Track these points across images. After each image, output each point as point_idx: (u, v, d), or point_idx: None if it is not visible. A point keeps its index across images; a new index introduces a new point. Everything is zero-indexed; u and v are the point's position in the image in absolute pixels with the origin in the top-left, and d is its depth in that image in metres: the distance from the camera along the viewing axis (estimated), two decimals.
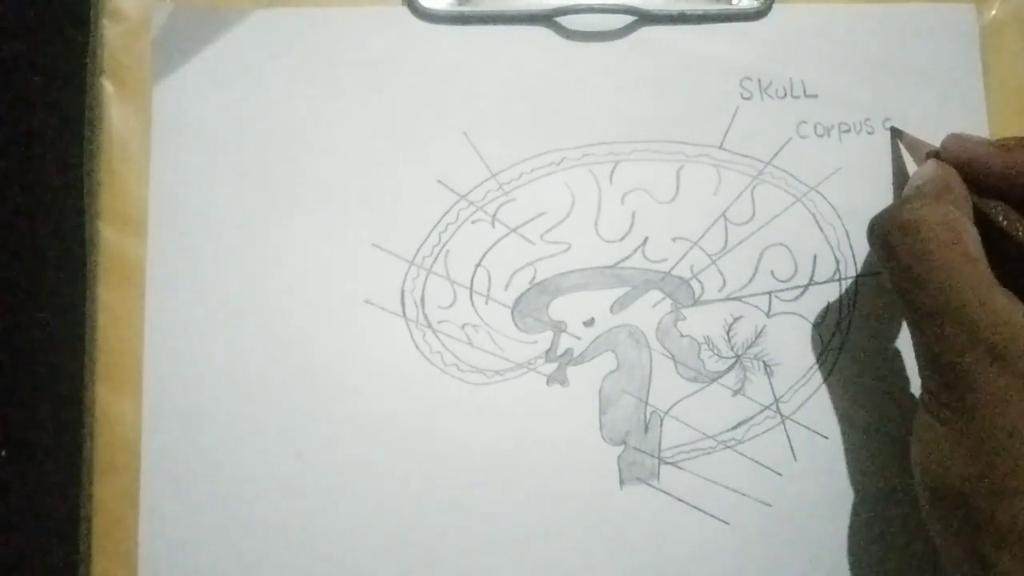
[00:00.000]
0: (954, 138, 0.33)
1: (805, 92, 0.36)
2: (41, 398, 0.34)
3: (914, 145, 0.35)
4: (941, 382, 0.28)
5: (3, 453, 0.34)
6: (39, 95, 0.36)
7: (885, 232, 0.30)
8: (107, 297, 0.33)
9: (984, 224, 0.30)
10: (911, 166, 0.36)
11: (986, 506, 0.26)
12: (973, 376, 0.27)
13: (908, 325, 0.30)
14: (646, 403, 0.34)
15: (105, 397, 0.33)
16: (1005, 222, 0.30)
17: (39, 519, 0.34)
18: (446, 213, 0.34)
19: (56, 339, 0.34)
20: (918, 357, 0.30)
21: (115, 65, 0.34)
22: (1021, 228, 0.30)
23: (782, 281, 0.35)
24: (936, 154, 0.33)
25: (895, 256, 0.29)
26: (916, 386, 0.34)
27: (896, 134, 0.36)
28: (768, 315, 0.35)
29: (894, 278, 0.30)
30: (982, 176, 0.31)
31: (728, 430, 0.34)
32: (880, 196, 0.36)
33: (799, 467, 0.34)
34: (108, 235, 0.33)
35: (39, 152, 0.36)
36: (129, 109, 0.34)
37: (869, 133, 0.36)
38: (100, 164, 0.34)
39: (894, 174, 0.36)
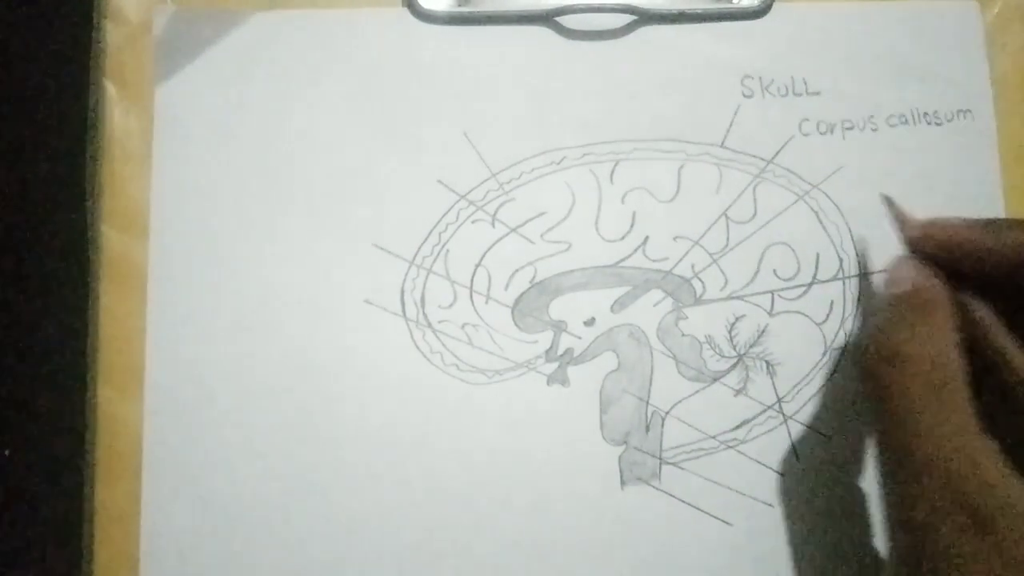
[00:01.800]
0: (931, 225, 0.30)
1: (807, 90, 0.36)
2: (42, 398, 0.35)
3: (902, 219, 0.32)
4: (912, 545, 0.26)
5: (5, 452, 0.35)
6: (41, 97, 0.36)
7: (873, 361, 0.27)
8: (109, 298, 0.33)
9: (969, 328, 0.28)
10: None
11: None
12: (951, 545, 0.24)
13: (880, 468, 0.28)
14: (647, 403, 0.34)
15: (106, 397, 0.33)
16: (987, 336, 0.28)
17: (39, 519, 0.34)
18: (446, 213, 0.34)
19: (58, 340, 0.35)
20: (886, 503, 0.27)
21: (117, 67, 0.34)
22: (1000, 340, 0.28)
23: (784, 280, 0.35)
24: (915, 240, 0.30)
25: (881, 391, 0.27)
26: None
27: (888, 203, 0.33)
28: (770, 314, 0.35)
29: (877, 414, 0.27)
30: (961, 262, 0.29)
31: (730, 430, 0.34)
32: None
33: (801, 467, 0.34)
34: (110, 236, 0.34)
35: (41, 154, 0.36)
36: (131, 111, 0.34)
37: (873, 130, 0.36)
38: (102, 165, 0.34)
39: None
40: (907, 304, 0.29)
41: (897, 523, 0.27)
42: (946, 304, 0.28)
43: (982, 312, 0.29)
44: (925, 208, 0.35)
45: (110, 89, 0.34)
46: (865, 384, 0.28)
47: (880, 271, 0.35)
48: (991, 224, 0.29)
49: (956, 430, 0.26)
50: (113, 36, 0.34)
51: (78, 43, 0.35)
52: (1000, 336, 0.28)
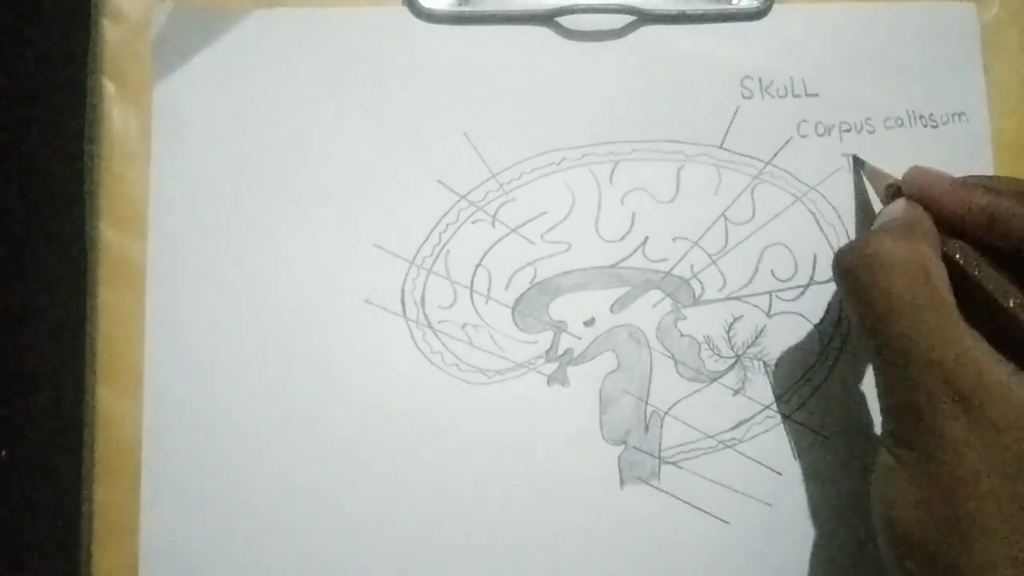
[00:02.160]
0: (915, 171, 0.32)
1: (806, 91, 0.36)
2: (42, 398, 0.34)
3: (875, 176, 0.35)
4: (902, 424, 0.27)
5: (3, 453, 0.34)
6: (39, 95, 0.36)
7: (850, 266, 0.29)
8: (107, 297, 0.33)
9: (948, 265, 0.29)
10: (874, 198, 0.35)
11: (948, 553, 0.26)
12: (936, 420, 0.26)
13: (872, 365, 0.29)
14: (646, 403, 0.34)
15: (106, 397, 0.33)
16: (963, 262, 0.29)
17: (39, 519, 0.34)
18: (446, 213, 0.34)
19: (56, 339, 0.34)
20: (880, 397, 0.29)
21: (115, 65, 0.34)
22: (979, 268, 0.29)
23: (782, 281, 0.35)
24: (899, 189, 0.32)
25: (860, 292, 0.28)
26: None
27: (858, 164, 0.36)
28: (768, 315, 0.35)
29: (858, 315, 0.29)
30: (938, 214, 0.30)
31: (728, 430, 0.34)
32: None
33: (799, 467, 0.34)
34: (108, 235, 0.33)
35: (39, 152, 0.36)
36: (129, 109, 0.34)
37: (870, 132, 0.36)
38: (100, 164, 0.34)
39: (856, 205, 0.36)
40: (891, 223, 0.30)
41: (889, 410, 0.28)
42: (931, 227, 0.30)
43: (958, 245, 0.30)
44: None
45: (109, 87, 0.34)
46: (845, 284, 0.29)
47: None
48: (969, 181, 0.31)
49: (940, 321, 0.27)
50: (112, 34, 0.34)
51: (76, 41, 0.35)
52: (980, 264, 0.29)
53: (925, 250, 0.28)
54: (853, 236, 0.36)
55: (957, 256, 0.29)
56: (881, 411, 0.29)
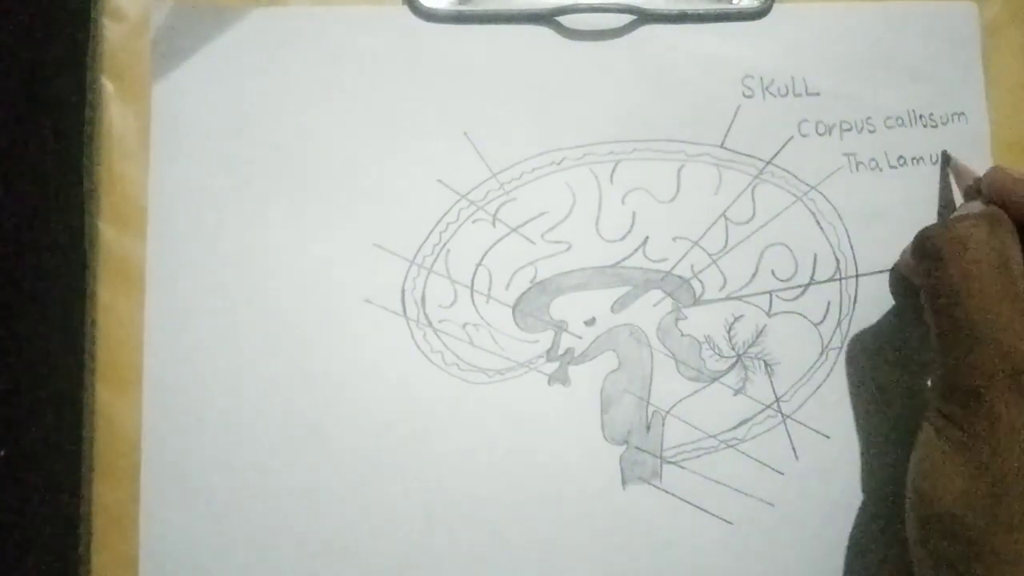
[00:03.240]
0: (995, 172, 0.32)
1: (807, 90, 0.36)
2: (41, 398, 0.34)
3: (960, 173, 0.35)
4: (959, 404, 0.28)
5: (3, 453, 0.34)
6: (39, 94, 0.36)
7: (937, 243, 0.29)
8: (107, 296, 0.33)
9: None
10: (958, 195, 0.36)
11: (986, 534, 0.26)
12: (996, 404, 0.27)
13: (935, 341, 0.30)
14: (647, 402, 0.34)
15: (105, 397, 0.33)
16: None
17: (39, 519, 0.34)
18: (447, 212, 0.34)
19: (56, 339, 0.34)
20: (935, 375, 0.29)
21: (115, 64, 0.34)
22: None
23: (783, 280, 0.35)
24: (970, 190, 0.33)
25: (943, 268, 0.29)
26: (916, 386, 0.34)
27: (945, 160, 0.36)
28: (769, 314, 0.35)
29: (935, 291, 0.29)
30: (1016, 215, 0.31)
31: (729, 429, 0.34)
32: (882, 196, 0.36)
33: (801, 466, 0.34)
34: (108, 234, 0.33)
35: (39, 151, 0.36)
36: (129, 108, 0.34)
37: (871, 132, 0.36)
38: (100, 163, 0.34)
39: (940, 200, 0.36)
40: (974, 216, 0.31)
41: (944, 389, 0.29)
42: (1010, 225, 0.30)
43: None
44: (920, 209, 0.36)
45: (108, 86, 0.34)
46: (925, 261, 0.30)
47: (878, 271, 0.35)
48: None
49: (1013, 310, 0.28)
50: (111, 33, 0.34)
51: (76, 40, 0.35)
52: None
53: (1008, 240, 0.29)
54: (854, 234, 0.35)
55: None
56: (934, 389, 0.29)
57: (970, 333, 0.28)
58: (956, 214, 0.33)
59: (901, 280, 0.35)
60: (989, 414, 0.27)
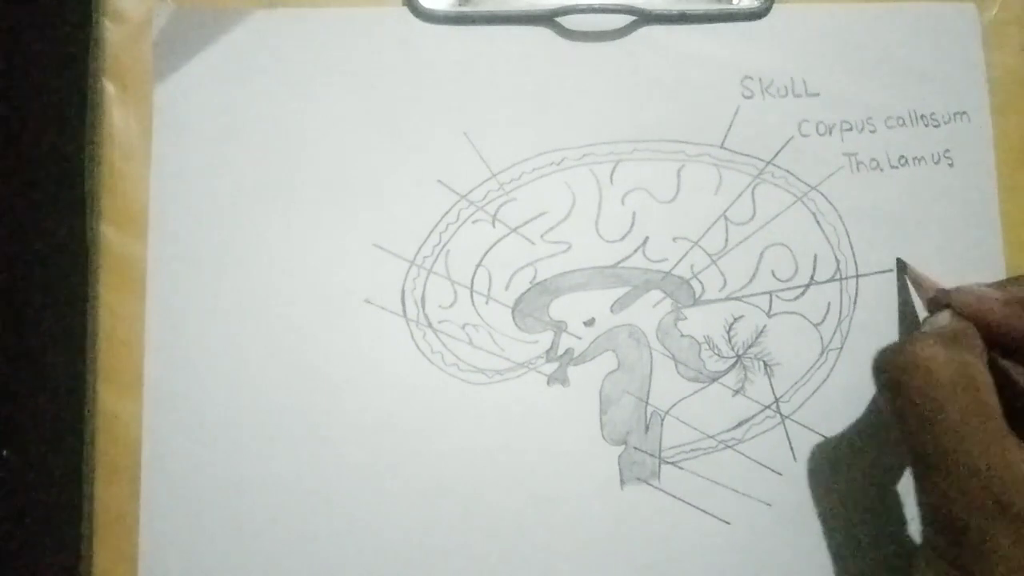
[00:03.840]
0: (964, 293, 0.31)
1: (807, 91, 0.36)
2: (42, 398, 0.35)
3: (919, 281, 0.34)
4: (946, 537, 0.26)
5: (3, 453, 0.34)
6: (40, 96, 0.36)
7: (895, 368, 0.28)
8: (108, 297, 0.33)
9: (998, 380, 0.28)
10: (918, 303, 0.35)
11: None
12: (982, 536, 0.25)
13: (913, 473, 0.28)
14: (647, 403, 0.34)
15: (106, 397, 0.33)
16: (1012, 372, 0.29)
17: (39, 519, 0.34)
18: (446, 213, 0.34)
19: (57, 339, 0.35)
20: (920, 506, 0.28)
21: (116, 66, 0.34)
22: None
23: (782, 281, 0.35)
24: (946, 301, 0.31)
25: (904, 396, 0.27)
26: None
27: (901, 267, 0.35)
28: (768, 315, 0.35)
29: (901, 420, 0.28)
30: (987, 331, 0.29)
31: (728, 430, 0.34)
32: (883, 196, 0.36)
33: (799, 467, 0.34)
34: (109, 235, 0.33)
35: (40, 153, 0.36)
36: (130, 110, 0.34)
37: (871, 132, 0.36)
38: (101, 164, 0.34)
39: (899, 308, 0.35)
40: (937, 332, 0.29)
41: (932, 522, 0.27)
42: (977, 339, 0.29)
43: (1006, 363, 0.29)
44: (920, 210, 0.36)
45: (109, 88, 0.34)
46: (888, 387, 0.28)
47: (878, 272, 0.35)
48: (1013, 298, 0.30)
49: (987, 431, 0.26)
50: (112, 35, 0.34)
51: (77, 42, 0.35)
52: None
53: (972, 359, 0.27)
54: (854, 239, 0.35)
55: (1004, 365, 0.29)
56: (922, 522, 0.28)
57: (944, 460, 0.26)
58: (917, 332, 0.32)
59: None
60: (977, 548, 0.25)
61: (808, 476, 0.34)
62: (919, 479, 0.27)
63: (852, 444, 0.34)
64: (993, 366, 0.29)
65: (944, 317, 0.31)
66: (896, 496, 0.34)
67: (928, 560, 0.27)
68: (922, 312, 0.34)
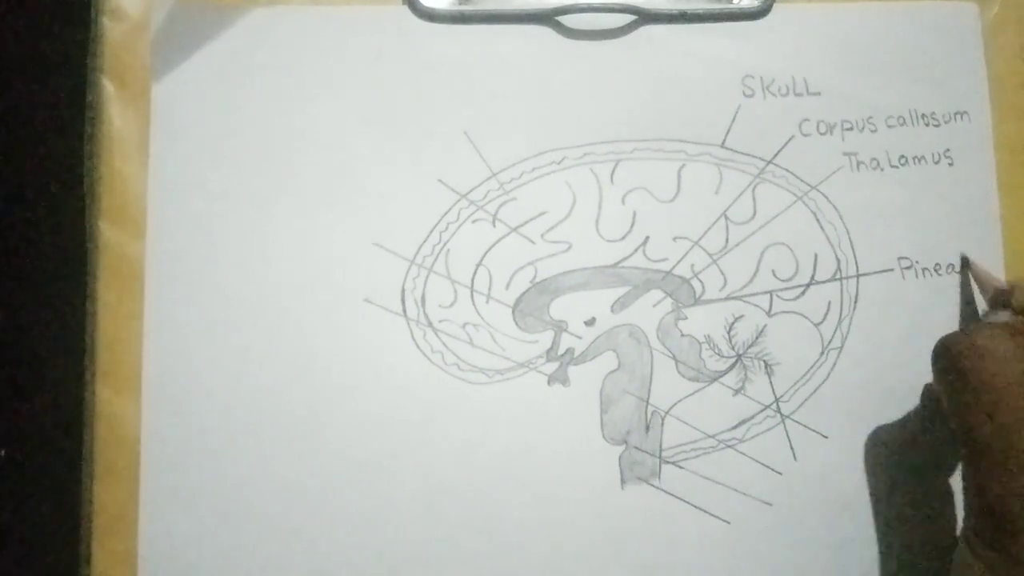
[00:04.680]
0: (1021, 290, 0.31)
1: (808, 90, 0.36)
2: (41, 398, 0.34)
3: (982, 278, 0.35)
4: (993, 524, 0.27)
5: (3, 453, 0.34)
6: (39, 94, 0.36)
7: (957, 353, 0.28)
8: (107, 296, 0.33)
9: None
10: (980, 301, 0.35)
11: None
12: None
13: (963, 458, 0.28)
14: (647, 402, 0.34)
15: (105, 397, 0.33)
16: None
17: (39, 519, 0.34)
18: (447, 212, 0.34)
19: (56, 339, 0.34)
20: (967, 492, 0.28)
21: (115, 64, 0.34)
22: None
23: (783, 280, 0.35)
24: (1005, 297, 0.32)
25: (965, 380, 0.28)
26: (916, 387, 0.34)
27: (965, 264, 0.35)
28: (769, 314, 0.35)
29: (959, 405, 0.28)
30: None
31: (729, 429, 0.34)
32: (883, 196, 0.36)
33: (799, 466, 0.34)
34: (108, 234, 0.33)
35: (39, 151, 0.36)
36: (129, 108, 0.34)
37: (872, 131, 0.36)
38: (100, 163, 0.34)
39: (961, 305, 0.35)
40: (996, 325, 0.30)
41: (977, 506, 0.27)
42: None
43: None
44: (921, 209, 0.36)
45: (108, 86, 0.34)
46: (949, 371, 0.29)
47: (878, 272, 0.35)
48: None
49: None
50: (111, 32, 0.34)
51: (76, 40, 0.35)
52: None
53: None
54: (855, 234, 0.35)
55: None
56: (966, 507, 0.28)
57: (1001, 444, 0.26)
58: (979, 322, 0.32)
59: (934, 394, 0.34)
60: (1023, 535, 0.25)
61: (808, 476, 0.34)
62: (969, 463, 0.28)
63: (851, 443, 0.34)
64: None
65: (1005, 314, 0.31)
66: (896, 496, 0.34)
67: (970, 543, 0.28)
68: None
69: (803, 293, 0.35)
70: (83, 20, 0.34)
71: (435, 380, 0.34)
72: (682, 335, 0.35)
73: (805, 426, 0.35)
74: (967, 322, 0.35)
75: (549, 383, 0.34)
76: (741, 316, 0.35)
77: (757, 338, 0.35)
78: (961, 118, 0.36)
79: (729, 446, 0.34)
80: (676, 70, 0.36)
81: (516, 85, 0.35)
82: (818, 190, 0.36)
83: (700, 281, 0.35)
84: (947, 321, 0.35)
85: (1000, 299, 0.32)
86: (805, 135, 0.36)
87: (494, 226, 0.35)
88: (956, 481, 0.34)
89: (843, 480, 0.34)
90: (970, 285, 0.35)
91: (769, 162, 0.35)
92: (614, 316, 0.35)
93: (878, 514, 0.34)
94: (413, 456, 0.33)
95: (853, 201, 0.36)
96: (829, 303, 0.35)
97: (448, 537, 0.33)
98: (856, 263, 0.35)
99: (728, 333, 0.35)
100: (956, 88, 0.36)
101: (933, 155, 0.36)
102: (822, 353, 0.35)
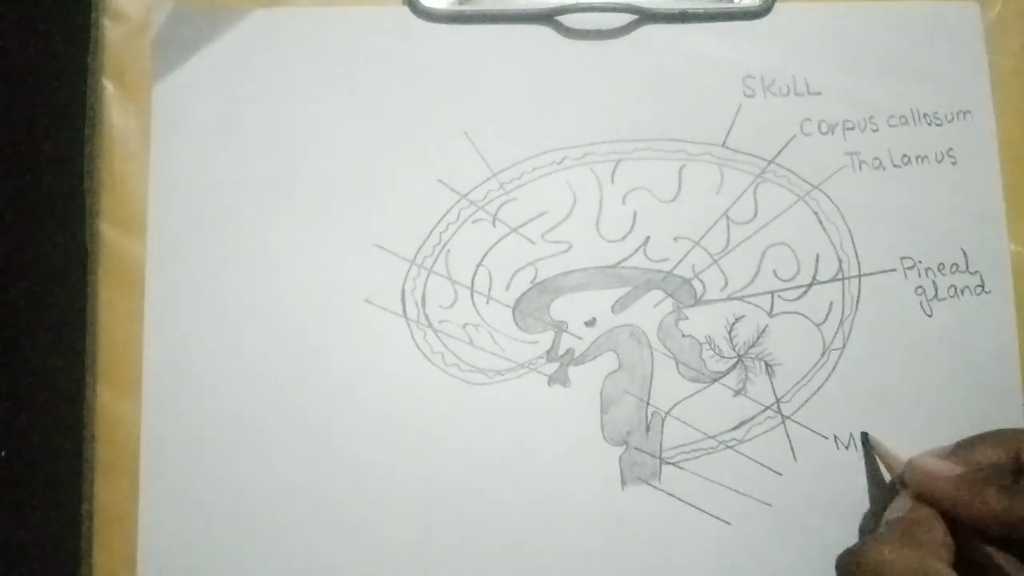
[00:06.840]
0: (915, 470, 0.31)
1: (809, 89, 0.36)
2: (41, 398, 0.35)
3: (884, 457, 0.33)
4: None
5: (3, 453, 0.34)
6: (39, 95, 0.36)
7: (848, 573, 0.29)
8: (107, 296, 0.33)
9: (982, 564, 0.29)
10: (887, 474, 0.34)
11: None
12: None
13: None
14: (647, 403, 0.34)
15: (105, 397, 0.33)
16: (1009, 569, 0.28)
17: (39, 519, 0.34)
18: (447, 213, 0.34)
19: (56, 339, 0.35)
20: None
21: (116, 65, 0.34)
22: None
23: (784, 280, 0.35)
24: (900, 479, 0.31)
25: None
26: (916, 387, 0.34)
27: (865, 441, 0.34)
28: (770, 315, 0.35)
29: None
30: (949, 513, 0.29)
31: (729, 430, 0.34)
32: (885, 195, 0.35)
33: (799, 467, 0.34)
34: (108, 235, 0.33)
35: (39, 152, 0.36)
36: (129, 109, 0.34)
37: (874, 131, 0.36)
38: (100, 164, 0.34)
39: (868, 485, 0.34)
40: (894, 526, 0.30)
41: None
42: (939, 527, 0.29)
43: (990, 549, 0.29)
44: (924, 209, 0.35)
45: (108, 87, 0.34)
46: None
47: (880, 272, 0.35)
48: (975, 476, 0.29)
49: None
50: (112, 34, 0.34)
51: (77, 41, 0.35)
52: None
53: (928, 560, 0.28)
54: (856, 234, 0.35)
55: (987, 551, 0.29)
56: None
57: None
58: (885, 517, 0.31)
59: None
60: None
61: (808, 476, 0.34)
62: None
63: (852, 444, 0.34)
64: (976, 551, 0.29)
65: (904, 503, 0.31)
66: (895, 495, 0.34)
67: None
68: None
69: (804, 293, 0.35)
70: (83, 21, 0.34)
71: (435, 381, 0.34)
72: (683, 335, 0.35)
73: (805, 427, 0.34)
74: (873, 500, 0.34)
75: (549, 384, 0.34)
76: (742, 316, 0.35)
77: (758, 339, 0.35)
78: (964, 117, 0.36)
79: (729, 447, 0.34)
80: (677, 70, 0.36)
81: (516, 85, 0.35)
82: (820, 190, 0.35)
83: (701, 281, 0.35)
84: (948, 321, 0.35)
85: (900, 480, 0.32)
86: (806, 135, 0.36)
87: (494, 226, 0.34)
88: None
89: (843, 481, 0.34)
90: (875, 460, 0.34)
91: (770, 162, 0.35)
92: (614, 316, 0.35)
93: (876, 515, 0.34)
94: (413, 456, 0.33)
95: (855, 201, 0.35)
96: (831, 303, 0.35)
97: (447, 537, 0.33)
98: (858, 263, 0.35)
99: (729, 333, 0.35)
100: (958, 87, 0.36)
101: (936, 154, 0.36)
102: (823, 354, 0.35)
